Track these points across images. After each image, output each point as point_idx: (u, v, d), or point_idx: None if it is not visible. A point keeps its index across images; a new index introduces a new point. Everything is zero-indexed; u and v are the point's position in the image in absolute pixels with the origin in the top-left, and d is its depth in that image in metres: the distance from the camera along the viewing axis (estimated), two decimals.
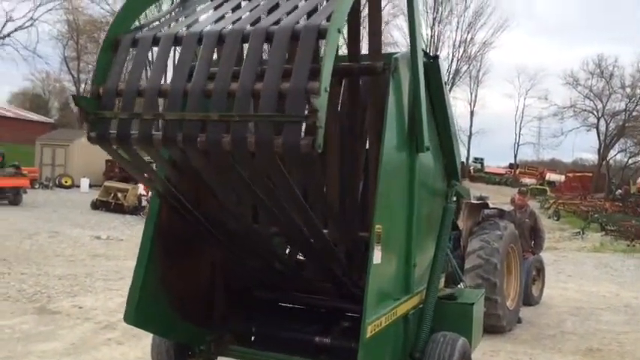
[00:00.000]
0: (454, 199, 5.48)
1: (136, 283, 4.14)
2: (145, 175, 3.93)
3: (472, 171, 58.17)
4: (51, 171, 32.68)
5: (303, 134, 3.00)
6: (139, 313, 4.12)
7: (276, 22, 3.26)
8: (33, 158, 32.89)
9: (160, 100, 3.45)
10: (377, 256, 3.70)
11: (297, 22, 3.19)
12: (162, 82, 3.40)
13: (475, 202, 8.10)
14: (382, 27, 4.79)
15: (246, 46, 3.27)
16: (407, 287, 4.37)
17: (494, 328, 7.45)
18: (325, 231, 4.21)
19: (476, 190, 40.70)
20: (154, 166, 4.01)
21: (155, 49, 3.52)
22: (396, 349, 4.20)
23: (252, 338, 5.10)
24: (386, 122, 3.80)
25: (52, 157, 32.90)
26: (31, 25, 41.99)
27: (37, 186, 27.35)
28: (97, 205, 22.08)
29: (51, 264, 11.02)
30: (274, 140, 3.02)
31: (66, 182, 31.15)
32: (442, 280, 5.58)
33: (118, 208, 21.25)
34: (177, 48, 3.49)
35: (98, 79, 3.45)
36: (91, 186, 29.49)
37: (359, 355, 3.46)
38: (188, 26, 3.58)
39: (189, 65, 3.36)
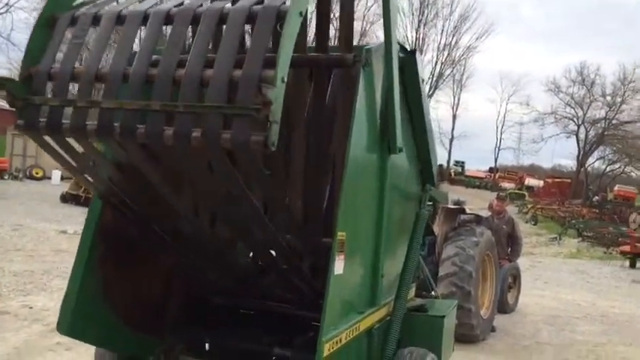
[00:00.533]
0: (429, 203, 5.18)
1: (72, 291, 3.75)
2: (84, 173, 3.54)
3: (452, 174, 58.29)
4: (22, 162, 31.81)
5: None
6: (75, 323, 3.73)
7: (234, 2, 2.91)
8: (4, 148, 31.99)
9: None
10: (338, 266, 3.36)
11: (256, 4, 2.84)
12: (101, 65, 3.01)
13: (452, 206, 7.81)
14: (355, 14, 4.43)
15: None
16: (373, 299, 4.04)
17: (467, 337, 7.17)
18: (287, 236, 3.88)
19: (455, 194, 40.81)
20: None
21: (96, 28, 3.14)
22: None
23: (207, 348, 4.73)
24: (354, 119, 3.46)
25: (24, 148, 31.97)
26: (7, 11, 40.87)
27: (6, 177, 26.58)
28: (66, 199, 21.45)
29: (9, 259, 10.49)
30: (222, 135, 2.67)
31: (37, 174, 30.36)
32: (413, 290, 5.27)
33: (89, 202, 20.58)
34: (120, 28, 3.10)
35: (29, 60, 3.06)
36: (62, 178, 28.69)
37: None
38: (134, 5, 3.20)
39: (131, 48, 3.00)
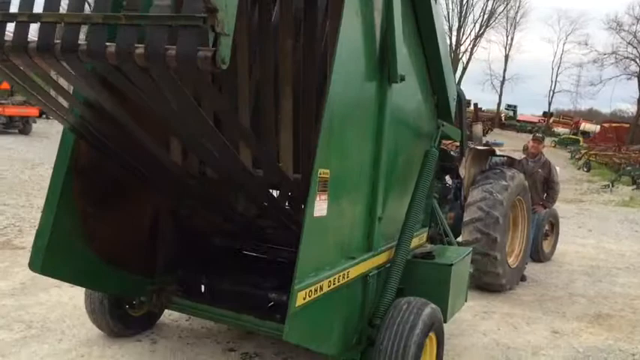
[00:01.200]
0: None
1: (45, 226, 3.52)
2: (50, 105, 3.25)
3: (503, 118, 56.33)
4: None
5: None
6: (48, 260, 3.52)
7: None
8: None
9: None
10: (320, 207, 2.99)
11: None
12: None
13: (481, 147, 7.25)
14: None
15: None
16: (368, 244, 3.68)
17: (491, 286, 6.78)
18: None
19: (506, 138, 39.29)
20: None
21: None
22: (349, 316, 3.55)
23: (202, 290, 4.53)
24: (340, 38, 3.00)
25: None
26: None
27: (50, 117, 27.07)
28: None
29: (42, 195, 10.58)
30: (167, 51, 2.30)
31: None
32: (424, 236, 4.88)
33: None
34: None
35: None
36: None
37: (285, 327, 2.82)
38: None
39: None
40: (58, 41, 2.54)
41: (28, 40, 2.64)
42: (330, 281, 3.14)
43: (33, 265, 3.53)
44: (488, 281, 6.72)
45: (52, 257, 3.57)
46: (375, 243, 3.72)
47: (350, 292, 3.50)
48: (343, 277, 3.31)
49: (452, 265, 4.14)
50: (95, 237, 3.84)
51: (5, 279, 5.73)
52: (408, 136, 4.15)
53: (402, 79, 3.61)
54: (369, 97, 3.47)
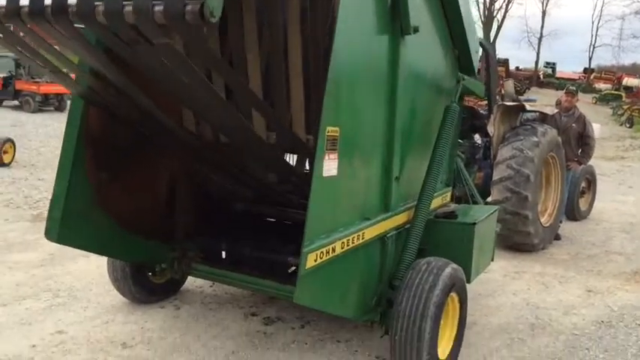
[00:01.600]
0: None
1: (59, 196, 3.51)
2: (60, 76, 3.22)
3: (542, 76, 54.58)
4: None
5: None
6: (64, 229, 3.52)
7: None
8: None
9: None
10: (329, 166, 2.88)
11: None
12: None
13: (510, 103, 6.97)
14: None
15: None
16: (385, 204, 3.56)
17: (523, 246, 6.60)
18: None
19: (544, 97, 37.95)
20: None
21: None
22: (367, 277, 3.46)
23: (222, 256, 4.51)
24: None
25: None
26: None
27: None
28: None
29: None
30: (154, 8, 2.20)
31: None
32: (447, 195, 4.72)
33: None
34: None
35: None
36: None
37: (296, 290, 2.75)
38: None
39: None
40: (48, 3, 2.48)
41: (20, 5, 2.59)
42: (343, 242, 3.05)
43: (49, 235, 3.54)
44: (519, 241, 6.53)
45: (68, 226, 3.57)
46: (392, 203, 3.60)
47: (367, 253, 3.41)
48: (358, 239, 3.21)
49: (475, 224, 3.99)
50: (111, 204, 3.83)
51: (35, 250, 5.84)
52: (426, 91, 3.97)
53: (416, 30, 3.42)
54: (379, 50, 3.30)
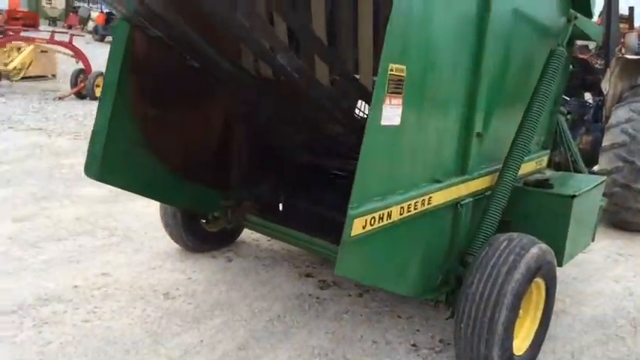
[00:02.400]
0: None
1: (100, 132, 3.22)
2: None
3: None
4: None
5: None
6: (106, 166, 3.24)
7: None
8: None
9: None
10: (390, 113, 2.34)
11: None
12: None
13: (631, 57, 5.92)
14: None
15: None
16: (461, 165, 2.97)
17: (632, 225, 5.69)
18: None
19: None
20: None
21: None
22: (432, 250, 2.92)
23: (279, 209, 4.13)
24: None
25: None
26: None
27: None
28: None
29: None
30: None
31: None
32: (543, 159, 4.00)
33: None
34: None
35: None
36: None
37: (337, 260, 2.28)
38: None
39: None
40: None
41: None
42: (402, 207, 2.52)
43: (88, 171, 3.27)
44: (627, 219, 5.64)
45: (109, 164, 3.29)
46: (471, 165, 3.00)
47: (434, 221, 2.86)
48: (423, 204, 2.67)
49: (574, 196, 3.30)
50: (158, 144, 3.51)
51: (101, 186, 5.71)
52: (525, 29, 3.24)
53: None
54: None
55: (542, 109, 3.27)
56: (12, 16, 19.05)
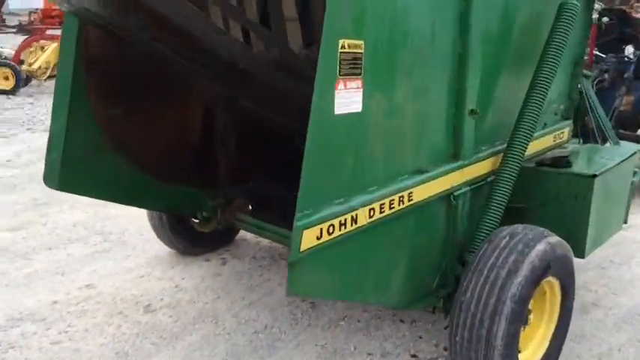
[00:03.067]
0: None
1: (57, 138, 2.92)
2: None
3: None
4: None
5: None
6: (67, 174, 2.94)
7: None
8: None
9: None
10: (345, 99, 1.94)
11: None
12: None
13: None
14: None
15: None
16: (452, 150, 2.54)
17: None
18: None
19: None
20: None
21: None
22: (422, 252, 2.51)
23: (274, 207, 3.77)
24: None
25: None
26: None
27: None
28: None
29: None
30: None
31: None
32: (564, 134, 3.48)
33: None
34: None
35: None
36: None
37: (288, 281, 1.92)
38: None
39: None
40: None
41: None
42: (372, 209, 2.13)
43: (47, 181, 2.99)
44: None
45: (71, 171, 3.00)
46: (465, 148, 2.56)
47: (420, 219, 2.44)
48: (401, 201, 2.26)
49: (595, 176, 2.80)
50: (128, 144, 3.19)
51: None
52: None
53: None
54: None
55: (553, 74, 2.76)
56: (48, 14, 19.28)
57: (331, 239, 1.97)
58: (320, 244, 1.94)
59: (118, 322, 3.15)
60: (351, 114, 1.98)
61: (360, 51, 1.96)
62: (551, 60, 2.76)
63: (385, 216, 2.19)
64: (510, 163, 2.69)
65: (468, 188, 2.65)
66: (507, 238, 2.42)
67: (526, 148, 2.73)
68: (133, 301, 3.40)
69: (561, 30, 2.79)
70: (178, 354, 2.87)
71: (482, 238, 2.60)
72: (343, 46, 1.89)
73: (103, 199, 3.30)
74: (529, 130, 2.73)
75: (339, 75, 1.90)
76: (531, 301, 2.43)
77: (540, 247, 2.38)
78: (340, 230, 2.01)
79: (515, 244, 2.37)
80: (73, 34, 2.85)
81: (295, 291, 1.96)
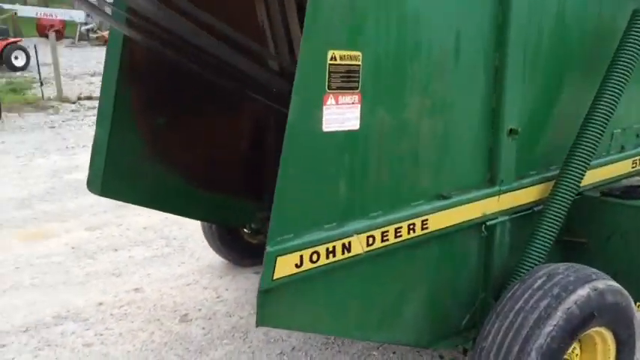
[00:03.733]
0: None
1: (100, 144, 2.98)
2: None
3: None
4: None
5: None
6: (109, 181, 3.01)
7: None
8: None
9: None
10: (333, 117, 1.76)
11: None
12: None
13: None
14: None
15: None
16: (484, 175, 2.24)
17: None
18: None
19: None
20: None
21: None
22: (447, 286, 2.24)
23: None
24: None
25: None
26: None
27: None
28: None
29: None
30: None
31: None
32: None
33: None
34: None
35: None
36: None
37: (257, 310, 1.77)
38: None
39: None
40: None
41: None
42: (371, 237, 1.91)
43: (90, 187, 3.07)
44: None
45: (115, 178, 3.06)
46: (503, 172, 2.25)
47: (444, 250, 2.18)
48: (412, 230, 2.02)
49: None
50: (170, 153, 3.21)
51: None
52: None
53: None
54: None
55: (621, 88, 2.35)
56: None
57: (315, 268, 1.79)
58: (300, 272, 1.77)
59: (152, 329, 3.17)
60: (345, 132, 1.79)
61: (356, 63, 1.77)
62: (619, 72, 2.36)
63: (390, 245, 1.96)
64: (562, 190, 2.33)
65: (506, 217, 2.32)
66: (544, 278, 2.08)
67: (583, 173, 2.35)
68: (173, 309, 3.41)
69: (635, 38, 2.38)
70: None
71: (521, 275, 2.27)
72: (333, 58, 1.71)
73: (146, 206, 3.33)
74: (587, 153, 2.34)
75: (328, 89, 1.72)
76: (577, 353, 2.08)
77: (582, 292, 2.01)
78: (328, 258, 1.82)
79: (551, 287, 2.03)
80: (118, 41, 2.90)
81: (267, 323, 1.80)
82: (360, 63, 1.77)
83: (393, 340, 2.26)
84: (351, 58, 1.75)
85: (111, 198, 3.18)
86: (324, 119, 1.73)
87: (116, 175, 3.08)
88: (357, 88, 1.78)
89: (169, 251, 4.29)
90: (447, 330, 2.31)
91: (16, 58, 17.00)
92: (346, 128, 1.79)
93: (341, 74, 1.74)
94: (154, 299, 3.53)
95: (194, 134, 3.29)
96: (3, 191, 5.93)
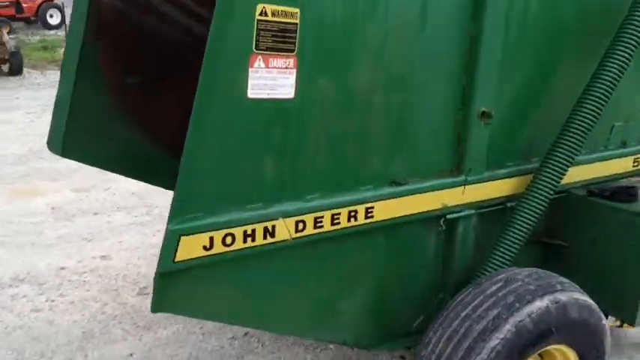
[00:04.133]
0: None
1: (62, 102, 2.76)
2: None
3: None
4: None
5: None
6: (71, 140, 2.81)
7: None
8: None
9: None
10: (261, 81, 1.53)
11: None
12: None
13: None
14: None
15: None
16: (449, 162, 1.99)
17: None
18: None
19: None
20: None
21: None
22: (396, 283, 2.02)
23: None
24: None
25: None
26: None
27: None
28: None
29: None
30: None
31: None
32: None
33: None
34: None
35: None
36: None
37: (153, 296, 1.58)
38: None
39: None
40: None
41: None
42: (300, 222, 1.69)
43: (51, 145, 2.89)
44: None
45: (76, 137, 2.89)
46: (471, 161, 1.99)
47: (395, 243, 1.95)
48: (353, 218, 1.79)
49: None
50: (142, 118, 3.01)
51: None
52: None
53: None
54: None
55: (618, 75, 2.03)
56: None
57: (228, 252, 1.59)
58: (209, 255, 1.56)
59: (105, 300, 3.03)
60: (276, 100, 1.57)
61: (293, 21, 1.53)
62: (618, 57, 2.05)
63: (324, 232, 1.74)
64: (539, 186, 2.05)
65: (472, 211, 2.07)
66: (500, 284, 1.83)
67: (565, 168, 2.06)
68: (134, 280, 3.26)
69: (634, 21, 2.06)
70: (141, 346, 2.65)
71: (483, 277, 2.02)
72: (263, 12, 1.48)
73: (110, 170, 3.15)
74: (572, 145, 2.05)
75: (256, 49, 1.49)
76: None
77: (540, 303, 1.75)
78: (246, 243, 1.61)
79: (505, 294, 1.78)
80: None
81: (164, 309, 1.60)
82: (297, 21, 1.53)
83: (328, 339, 2.05)
84: (286, 14, 1.51)
85: (72, 159, 2.99)
86: (249, 83, 1.51)
87: (79, 134, 2.90)
88: (292, 50, 1.55)
89: (149, 219, 4.15)
90: (394, 331, 2.09)
91: (51, 16, 17.11)
92: (278, 96, 1.57)
93: (272, 32, 1.51)
94: (119, 268, 3.39)
95: (166, 99, 3.09)
96: (4, 147, 5.88)
